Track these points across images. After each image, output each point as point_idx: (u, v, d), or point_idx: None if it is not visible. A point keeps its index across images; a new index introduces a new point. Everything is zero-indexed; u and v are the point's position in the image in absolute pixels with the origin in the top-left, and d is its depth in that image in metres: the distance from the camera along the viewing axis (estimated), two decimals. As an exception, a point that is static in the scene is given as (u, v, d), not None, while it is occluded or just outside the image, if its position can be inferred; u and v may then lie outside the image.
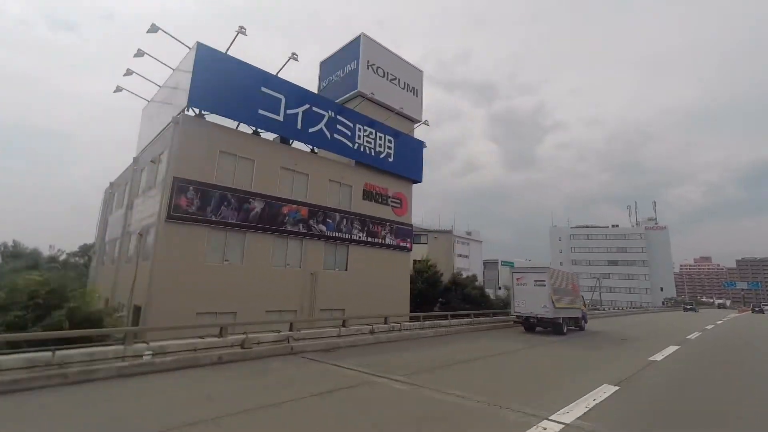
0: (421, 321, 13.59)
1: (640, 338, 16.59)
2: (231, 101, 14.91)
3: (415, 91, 23.71)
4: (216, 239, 14.28)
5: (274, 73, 16.55)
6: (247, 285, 14.76)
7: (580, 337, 16.07)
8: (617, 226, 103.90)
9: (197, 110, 14.52)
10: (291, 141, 17.75)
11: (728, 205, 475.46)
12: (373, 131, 20.43)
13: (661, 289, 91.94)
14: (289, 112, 16.69)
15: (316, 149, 18.60)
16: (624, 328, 22.35)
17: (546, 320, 17.21)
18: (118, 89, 17.83)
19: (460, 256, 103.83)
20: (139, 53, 15.24)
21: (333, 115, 18.47)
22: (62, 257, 27.01)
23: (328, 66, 23.04)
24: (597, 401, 5.80)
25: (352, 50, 21.42)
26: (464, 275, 36.71)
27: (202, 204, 13.83)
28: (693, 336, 17.85)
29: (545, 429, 4.56)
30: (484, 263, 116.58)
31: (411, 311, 23.28)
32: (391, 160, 21.23)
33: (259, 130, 16.35)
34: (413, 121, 23.44)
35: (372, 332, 11.15)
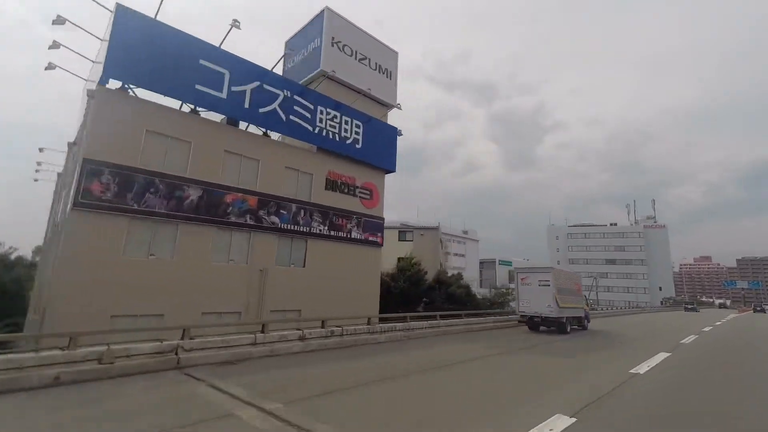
0: (373, 324, 11.73)
1: (628, 342, 14.79)
2: (161, 74, 13.07)
3: (389, 74, 21.86)
4: (139, 231, 12.44)
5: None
6: (178, 283, 12.94)
7: (564, 341, 14.26)
8: (615, 224, 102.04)
9: (121, 84, 12.70)
10: (239, 122, 15.91)
11: (728, 204, 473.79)
12: (338, 115, 18.59)
13: (660, 288, 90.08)
14: (234, 89, 14.86)
15: (269, 132, 16.75)
16: (616, 329, 20.52)
17: (550, 319, 17.27)
18: (50, 66, 16.00)
19: (456, 255, 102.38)
20: (59, 20, 13.41)
21: (289, 95, 16.63)
22: (13, 255, 25.21)
23: (292, 45, 21.19)
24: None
25: (316, 27, 19.59)
26: (450, 273, 34.85)
27: (121, 190, 12.00)
28: (688, 340, 16.03)
29: None
30: (481, 262, 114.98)
31: (393, 312, 21.56)
32: (359, 146, 19.40)
33: (199, 109, 14.53)
34: (386, 105, 21.61)
35: (302, 338, 9.33)
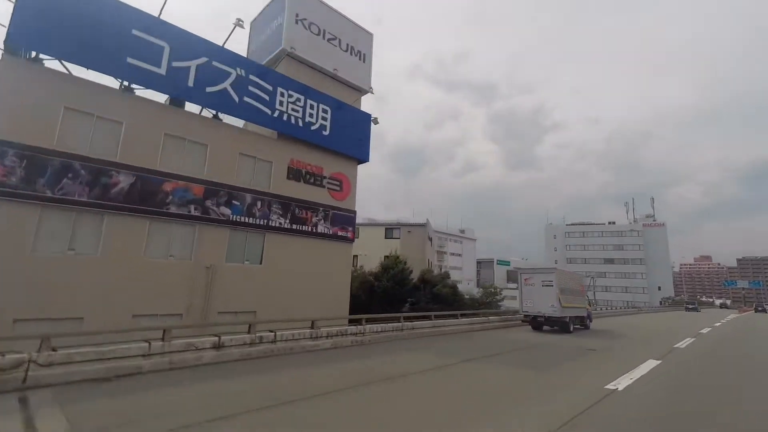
0: (317, 328, 10.13)
1: (615, 347, 13.23)
2: (83, 44, 11.50)
3: (362, 56, 20.30)
4: (54, 222, 10.88)
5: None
6: (104, 282, 11.39)
7: (541, 348, 12.70)
8: (614, 223, 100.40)
9: (33, 53, 11.16)
10: (185, 103, 14.35)
11: (728, 204, 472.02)
12: (302, 98, 17.03)
13: (659, 288, 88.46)
14: (175, 64, 13.30)
15: (221, 115, 15.19)
16: (608, 331, 18.96)
17: (553, 319, 17.61)
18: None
19: (452, 254, 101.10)
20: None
21: (243, 74, 15.08)
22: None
23: (257, 25, 19.64)
24: None
25: (279, 3, 18.02)
26: (436, 272, 33.29)
27: (31, 174, 10.45)
28: (683, 344, 14.48)
29: None
30: (478, 262, 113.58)
31: (375, 312, 20.13)
32: (326, 133, 17.84)
33: (135, 86, 12.99)
34: (358, 90, 20.04)
35: (218, 346, 7.79)
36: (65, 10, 11.27)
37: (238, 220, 14.59)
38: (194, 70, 13.73)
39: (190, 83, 13.60)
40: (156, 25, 13.02)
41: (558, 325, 17.92)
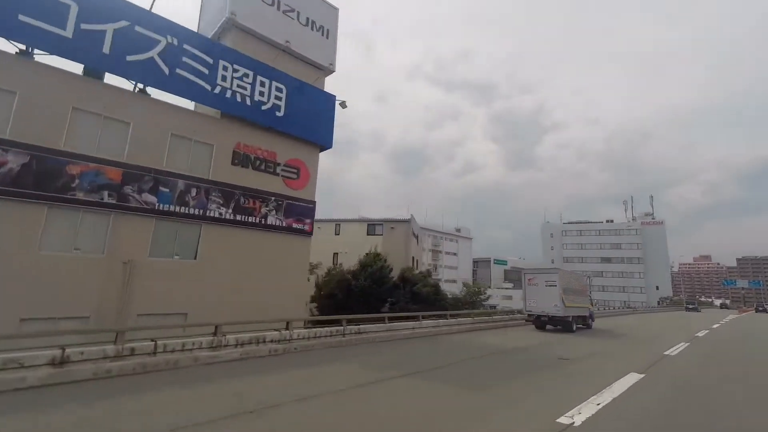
0: (220, 335, 8.25)
1: (594, 354, 11.40)
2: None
3: (326, 32, 18.43)
4: None
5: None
6: (-16, 278, 9.57)
7: (505, 357, 10.89)
8: (611, 221, 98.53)
9: None
10: (104, 74, 12.50)
11: (728, 204, 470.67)
12: (251, 74, 15.20)
13: (657, 288, 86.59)
14: (86, 27, 11.44)
15: (150, 90, 13.34)
16: (594, 334, 17.16)
17: (557, 318, 17.84)
18: None
19: (448, 253, 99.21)
20: None
21: (175, 43, 13.24)
22: None
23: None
24: None
25: (228, -32, 16.14)
26: (419, 270, 31.46)
27: None
28: (675, 350, 12.65)
29: None
30: (475, 261, 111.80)
31: (353, 313, 18.46)
32: (280, 114, 16.00)
33: (37, 52, 11.14)
34: (320, 68, 18.18)
35: (60, 362, 5.94)
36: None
37: (166, 209, 12.75)
38: (111, 35, 11.87)
39: (106, 50, 11.75)
40: (59, -21, 11.17)
41: (561, 325, 18.07)
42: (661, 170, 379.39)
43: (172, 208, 12.89)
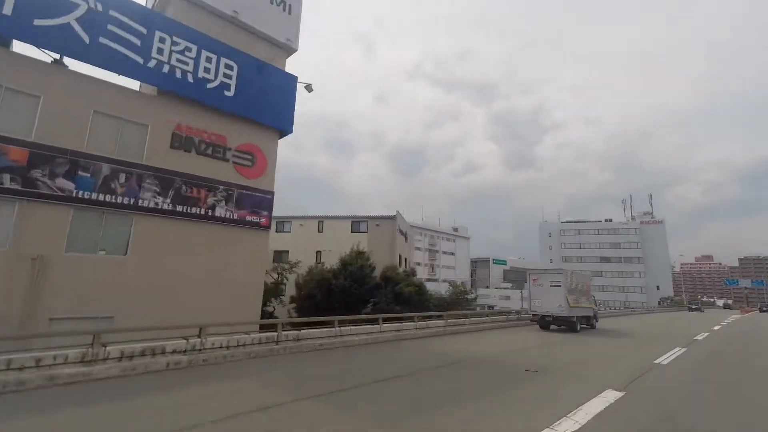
0: (97, 347, 6.63)
1: (571, 363, 9.77)
2: None
3: (288, 7, 16.82)
4: None
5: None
6: None
7: (459, 370, 9.27)
8: (610, 220, 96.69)
9: None
10: (11, 42, 10.93)
11: (729, 204, 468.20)
12: (194, 47, 13.61)
13: (658, 287, 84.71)
14: (-20, -17, 9.88)
15: (73, 63, 11.76)
16: (585, 336, 15.51)
17: (561, 318, 18.05)
18: None
19: (445, 253, 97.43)
20: None
21: (99, 8, 11.65)
22: None
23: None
24: None
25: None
26: (402, 269, 29.81)
27: None
28: (668, 357, 11.00)
29: None
30: (473, 261, 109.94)
31: (332, 315, 16.89)
32: (230, 94, 14.41)
33: None
34: (280, 46, 16.56)
35: None
36: None
37: (86, 197, 11.16)
38: (14, -5, 10.29)
39: (7, 11, 10.17)
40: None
41: (566, 325, 18.27)
42: (662, 170, 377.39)
43: (94, 196, 11.30)
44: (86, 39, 11.33)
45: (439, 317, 16.21)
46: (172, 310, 11.86)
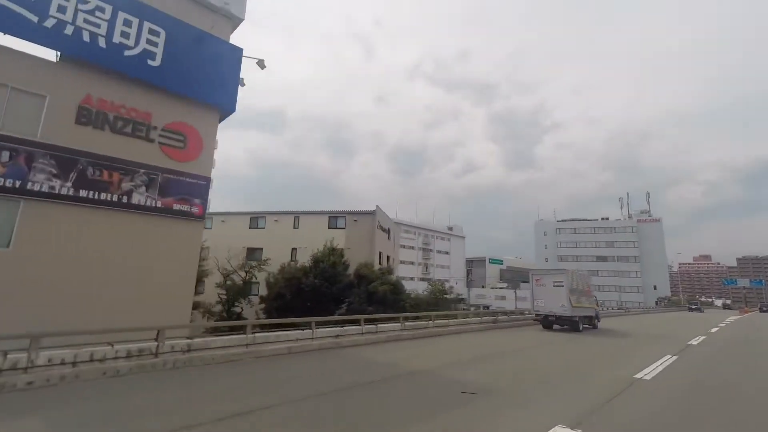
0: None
1: (530, 380, 7.91)
2: None
3: (231, -29, 14.93)
4: None
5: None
6: None
7: (374, 390, 7.43)
8: (607, 218, 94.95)
9: None
10: None
11: (728, 204, 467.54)
12: (109, 7, 11.71)
13: (654, 287, 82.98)
14: None
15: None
16: (572, 340, 13.68)
17: (564, 318, 18.19)
18: None
19: (440, 252, 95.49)
20: None
21: (-25, -47, 9.77)
22: None
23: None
24: None
25: None
26: (377, 267, 27.93)
27: None
28: (653, 371, 9.13)
29: None
30: (469, 261, 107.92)
31: (301, 315, 15.22)
32: (155, 64, 12.51)
33: None
34: (215, 11, 14.64)
35: None
36: None
37: (-47, 176, 9.26)
38: None
39: None
40: None
41: (568, 324, 18.37)
42: (661, 170, 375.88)
43: (-35, 175, 9.41)
44: (-43, -13, 9.45)
45: (395, 320, 14.30)
46: (79, 311, 10.01)
